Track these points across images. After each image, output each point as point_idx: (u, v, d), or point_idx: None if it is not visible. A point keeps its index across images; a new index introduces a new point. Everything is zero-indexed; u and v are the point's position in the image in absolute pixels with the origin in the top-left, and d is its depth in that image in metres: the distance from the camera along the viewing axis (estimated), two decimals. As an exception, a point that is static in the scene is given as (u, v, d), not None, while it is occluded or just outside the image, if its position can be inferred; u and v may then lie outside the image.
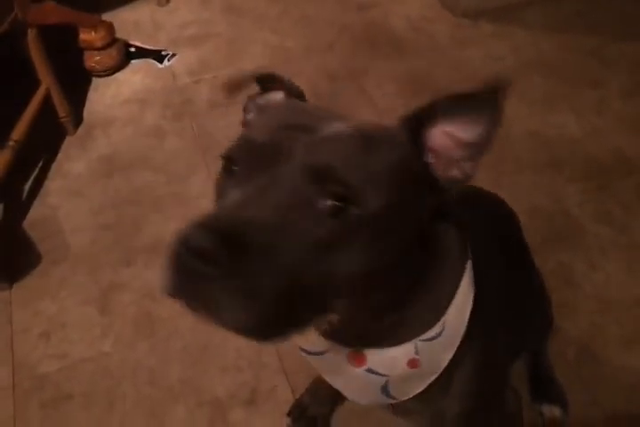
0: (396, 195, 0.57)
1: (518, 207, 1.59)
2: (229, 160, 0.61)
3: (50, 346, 1.39)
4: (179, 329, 1.40)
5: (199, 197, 1.70)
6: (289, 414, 1.24)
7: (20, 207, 1.69)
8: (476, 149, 0.60)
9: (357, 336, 0.70)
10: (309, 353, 0.77)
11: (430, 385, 0.73)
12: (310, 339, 0.74)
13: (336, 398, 1.25)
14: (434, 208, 0.63)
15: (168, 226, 1.63)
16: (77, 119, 1.93)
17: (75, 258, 1.56)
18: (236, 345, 1.37)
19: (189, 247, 0.49)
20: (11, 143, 1.58)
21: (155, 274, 1.52)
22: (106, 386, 1.32)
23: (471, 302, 0.70)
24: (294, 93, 0.74)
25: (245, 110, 0.78)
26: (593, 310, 1.40)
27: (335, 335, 0.70)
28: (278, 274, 0.51)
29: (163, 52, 2.19)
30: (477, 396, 0.79)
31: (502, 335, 0.84)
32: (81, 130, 1.92)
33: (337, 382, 0.78)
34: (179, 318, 1.42)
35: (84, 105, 2.00)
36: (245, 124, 0.76)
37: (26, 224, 1.65)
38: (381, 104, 1.92)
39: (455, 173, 0.62)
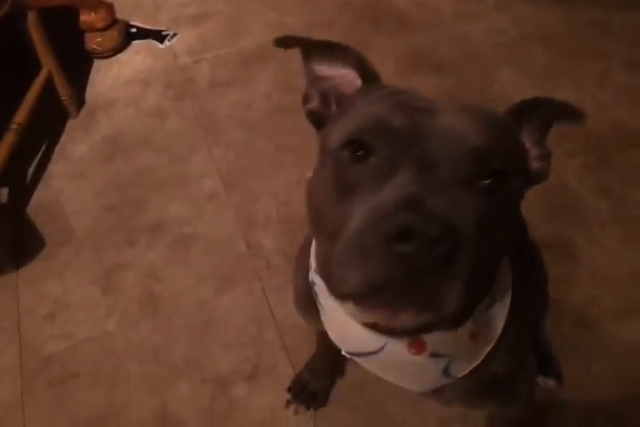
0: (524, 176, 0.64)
1: None
2: (358, 144, 0.58)
3: (55, 326, 1.43)
4: (181, 308, 1.43)
5: (201, 176, 1.72)
6: (289, 390, 1.27)
7: (24, 191, 1.71)
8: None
9: (409, 330, 0.67)
10: (363, 355, 0.73)
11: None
12: (365, 339, 0.71)
13: (334, 373, 1.27)
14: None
15: (170, 206, 1.65)
16: (80, 101, 1.94)
17: (78, 240, 1.59)
18: (237, 323, 1.39)
19: (418, 237, 0.47)
20: (14, 126, 1.59)
21: (157, 254, 1.55)
22: (111, 365, 1.36)
23: (510, 272, 0.73)
24: (370, 76, 0.71)
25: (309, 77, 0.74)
26: (589, 282, 1.41)
27: (392, 328, 0.68)
28: (476, 257, 0.51)
29: (163, 32, 2.19)
30: (517, 360, 0.82)
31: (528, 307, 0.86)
32: (83, 112, 1.93)
33: (392, 376, 0.76)
34: (181, 296, 1.45)
35: (85, 87, 2.00)
36: (307, 96, 0.74)
37: (30, 208, 1.67)
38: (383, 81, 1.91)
39: (538, 166, 0.68)
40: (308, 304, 0.82)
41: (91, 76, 2.05)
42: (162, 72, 2.05)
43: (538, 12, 2.10)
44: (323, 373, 1.25)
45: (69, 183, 1.74)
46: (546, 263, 1.37)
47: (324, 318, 0.76)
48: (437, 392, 0.77)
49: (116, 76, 2.05)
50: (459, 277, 0.49)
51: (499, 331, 0.73)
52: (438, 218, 0.48)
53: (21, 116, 1.63)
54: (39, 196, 1.70)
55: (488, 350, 0.73)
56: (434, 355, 0.70)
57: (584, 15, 2.06)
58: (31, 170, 1.77)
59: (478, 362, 0.74)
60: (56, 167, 1.78)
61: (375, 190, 0.54)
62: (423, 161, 0.55)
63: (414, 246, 0.47)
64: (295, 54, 0.72)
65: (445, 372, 0.73)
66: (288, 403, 1.26)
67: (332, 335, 0.77)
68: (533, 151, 0.68)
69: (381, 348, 0.70)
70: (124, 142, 1.84)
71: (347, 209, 0.55)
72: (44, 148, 1.83)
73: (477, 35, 2.05)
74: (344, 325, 0.72)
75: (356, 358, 0.74)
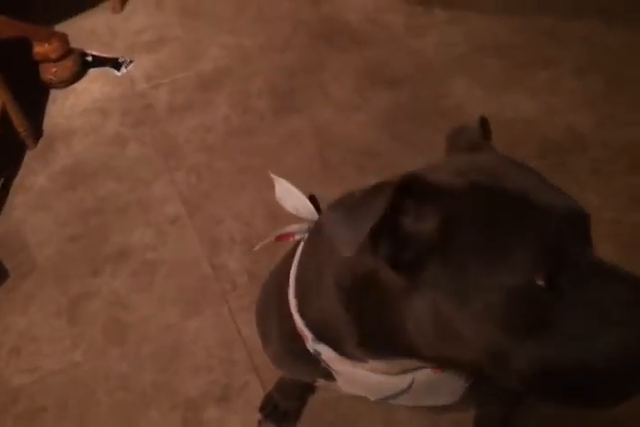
0: None
1: None
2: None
3: (21, 360, 1.41)
4: (148, 334, 1.42)
5: (163, 201, 1.71)
6: (260, 410, 1.27)
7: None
8: None
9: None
10: (396, 396, 0.74)
11: None
12: (394, 383, 0.72)
13: (303, 392, 1.27)
14: None
15: (133, 233, 1.64)
16: (37, 133, 1.93)
17: (42, 271, 1.58)
18: (205, 345, 1.39)
19: None
20: (-31, 161, 1.58)
21: (122, 282, 1.54)
22: (79, 396, 1.34)
23: None
24: None
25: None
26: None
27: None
28: None
29: (120, 59, 2.19)
30: None
31: None
32: (42, 143, 1.92)
33: (428, 401, 0.77)
34: (147, 323, 1.44)
35: (43, 118, 2.00)
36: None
37: (-9, 241, 1.66)
38: (339, 98, 1.93)
39: None
40: (291, 360, 0.83)
41: (47, 107, 2.04)
42: (120, 99, 2.05)
43: (488, 23, 2.15)
44: (293, 393, 1.24)
45: (31, 215, 1.72)
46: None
47: (338, 378, 0.76)
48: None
49: (73, 106, 2.04)
50: None
51: None
52: None
53: (-23, 150, 1.62)
54: (0, 228, 1.69)
55: None
56: None
57: (536, 24, 2.11)
58: (-10, 203, 1.76)
59: None
60: (16, 199, 1.76)
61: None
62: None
63: None
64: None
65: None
66: (260, 423, 1.26)
67: (353, 389, 0.77)
68: None
69: (411, 383, 0.71)
70: (84, 171, 1.83)
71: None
72: (2, 180, 1.81)
73: (430, 48, 2.09)
74: (366, 378, 0.71)
75: (390, 401, 0.75)
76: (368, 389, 0.74)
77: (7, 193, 1.77)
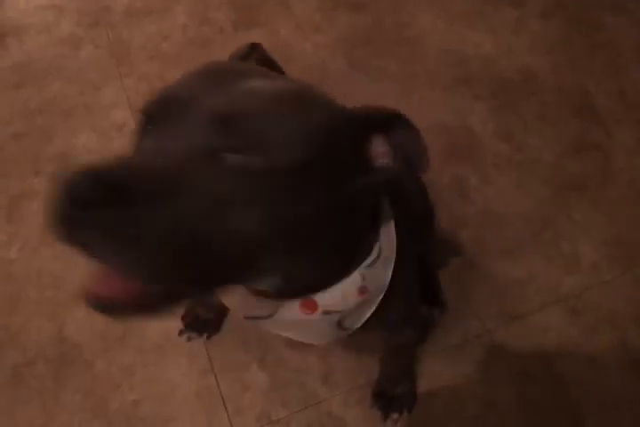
0: (314, 158, 0.54)
1: (424, 123, 1.62)
2: (147, 118, 0.56)
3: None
4: (82, 237, 1.45)
5: (111, 107, 1.70)
6: (182, 319, 1.32)
7: None
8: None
9: (305, 288, 0.71)
10: (257, 318, 0.76)
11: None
12: (254, 305, 0.74)
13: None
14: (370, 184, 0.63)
15: (78, 137, 1.64)
16: (-13, 25, 1.87)
17: (-18, 168, 1.58)
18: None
19: (71, 194, 0.45)
20: None
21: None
22: (9, 290, 1.38)
23: (393, 227, 0.74)
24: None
25: None
26: (480, 222, 1.48)
27: (281, 293, 0.71)
28: (171, 226, 0.48)
29: (80, -45, 2.09)
30: (409, 301, 0.88)
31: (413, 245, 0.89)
32: (-8, 37, 1.87)
33: (291, 334, 0.80)
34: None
35: (-5, 11, 1.93)
36: None
37: None
38: (301, 16, 1.90)
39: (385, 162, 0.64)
40: None
41: (1, 1, 1.96)
42: (77, -2, 1.98)
43: (462, -47, 2.10)
44: (214, 303, 1.29)
45: (-26, 110, 1.70)
46: (441, 203, 1.45)
47: None
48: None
49: (27, 1, 1.97)
50: (116, 237, 0.48)
51: (387, 283, 0.75)
52: (99, 180, 0.46)
53: None
54: (-59, 122, 1.67)
55: (378, 300, 0.77)
56: (326, 312, 0.73)
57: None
58: None
59: (370, 314, 0.78)
60: (-39, 93, 1.74)
61: None
62: (171, 129, 0.53)
63: (67, 203, 0.46)
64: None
65: (340, 325, 0.77)
66: (181, 331, 1.31)
67: (226, 302, 0.81)
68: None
69: (273, 313, 0.74)
70: (34, 70, 1.80)
71: None
72: (-53, 72, 1.77)
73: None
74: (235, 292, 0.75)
75: (254, 323, 0.77)
76: (237, 303, 0.79)
77: (-49, 86, 1.74)
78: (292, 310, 0.72)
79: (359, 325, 0.79)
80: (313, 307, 0.72)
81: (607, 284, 1.39)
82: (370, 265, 0.72)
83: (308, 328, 0.77)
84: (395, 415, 1.22)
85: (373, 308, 0.78)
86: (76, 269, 1.40)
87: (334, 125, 0.58)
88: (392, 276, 0.76)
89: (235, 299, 0.78)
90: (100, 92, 1.74)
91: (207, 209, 0.50)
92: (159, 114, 0.55)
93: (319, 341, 0.83)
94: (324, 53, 1.82)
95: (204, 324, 1.31)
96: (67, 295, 1.37)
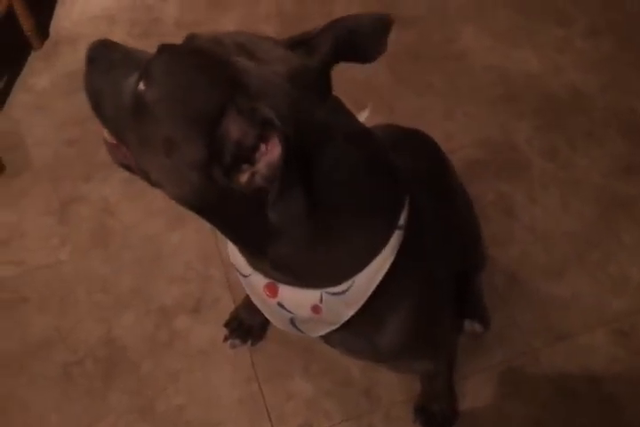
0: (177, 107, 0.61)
1: (468, 139, 1.67)
2: None
3: (9, 253, 1.47)
4: (131, 242, 1.48)
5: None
6: (226, 326, 1.34)
7: (-17, 120, 1.73)
8: None
9: (262, 269, 0.74)
10: (240, 273, 0.82)
11: (362, 323, 0.77)
12: (241, 260, 0.78)
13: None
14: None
15: (129, 144, 1.67)
16: (43, 34, 1.93)
17: (36, 171, 1.62)
18: (185, 258, 1.45)
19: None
20: (-27, 55, 1.59)
21: (112, 189, 1.59)
22: (60, 292, 1.41)
23: (386, 269, 0.71)
24: None
25: None
26: (525, 240, 1.48)
27: (252, 264, 0.76)
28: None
29: (133, -33, 2.15)
30: (411, 334, 0.82)
31: (442, 272, 0.88)
32: (47, 45, 1.92)
33: (258, 305, 0.84)
34: (132, 231, 1.50)
35: (50, 20, 1.99)
36: None
37: (-12, 137, 1.69)
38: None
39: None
40: None
41: (56, 10, 2.02)
42: (129, 10, 2.03)
43: (508, -29, 2.11)
44: (257, 309, 1.29)
45: (30, 115, 1.75)
46: (486, 219, 1.45)
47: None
48: (323, 337, 0.84)
49: (82, 11, 2.03)
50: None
51: (344, 317, 0.75)
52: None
53: (-18, 45, 1.62)
54: (-1, 125, 1.72)
55: (332, 328, 0.78)
56: (280, 305, 0.76)
57: (554, -20, 2.08)
58: (-9, 100, 1.78)
59: (322, 333, 0.80)
60: (17, 98, 1.79)
61: None
62: None
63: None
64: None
65: (293, 324, 0.80)
66: (225, 338, 1.33)
67: (231, 256, 0.84)
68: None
69: (248, 275, 0.78)
70: (87, 78, 1.84)
71: None
72: (5, 78, 1.83)
73: (446, -10, 2.06)
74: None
75: (239, 277, 0.82)
76: (234, 255, 0.82)
77: (9, 91, 1.79)
78: (259, 284, 0.76)
79: (315, 334, 0.81)
80: (273, 293, 0.75)
81: (655, 307, 1.37)
82: (334, 294, 0.72)
83: (269, 309, 0.80)
84: (436, 433, 1.22)
85: (323, 331, 0.79)
86: (125, 272, 1.43)
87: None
88: (390, 307, 0.77)
89: (232, 252, 0.81)
90: (150, 101, 1.78)
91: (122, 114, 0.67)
92: None
93: (278, 325, 0.84)
94: (368, 67, 1.84)
95: (248, 330, 1.32)
96: (115, 300, 1.40)
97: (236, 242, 0.73)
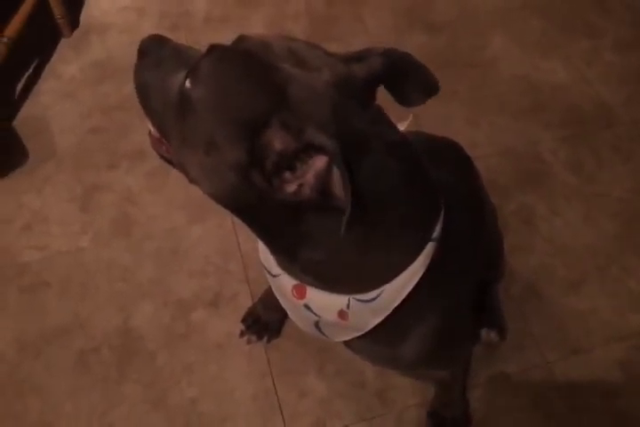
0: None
1: (492, 148, 1.67)
2: None
3: (32, 237, 1.48)
4: (153, 233, 1.49)
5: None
6: (242, 321, 1.34)
7: (12, 104, 1.74)
8: None
9: (292, 271, 0.75)
10: (268, 273, 0.83)
11: (386, 332, 0.77)
12: (271, 260, 0.79)
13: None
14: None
15: (154, 135, 1.68)
16: (74, 22, 1.94)
17: (61, 157, 1.63)
18: (204, 252, 1.46)
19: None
20: (4, 40, 1.60)
21: (136, 180, 1.59)
22: (81, 279, 1.42)
23: (416, 280, 0.71)
24: None
25: None
26: (545, 252, 1.48)
27: (282, 266, 0.77)
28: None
29: (166, -40, 2.16)
30: (434, 344, 0.82)
31: (465, 286, 0.88)
32: (77, 33, 1.93)
33: (284, 305, 0.85)
34: (154, 222, 1.51)
35: (81, 8, 2.00)
36: None
37: (16, 122, 1.70)
38: (375, 33, 1.93)
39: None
40: None
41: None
42: (158, 2, 2.04)
43: (541, -19, 2.11)
44: (275, 305, 1.28)
45: (57, 102, 1.76)
46: (506, 229, 1.44)
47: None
48: (345, 342, 0.84)
49: (112, 1, 2.04)
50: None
51: (370, 325, 0.75)
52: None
53: (12, 29, 1.63)
54: (26, 111, 1.73)
55: (356, 335, 0.78)
56: (307, 307, 0.77)
57: (586, -9, 2.08)
58: (20, 85, 1.78)
59: (346, 338, 0.80)
60: (45, 85, 1.80)
61: None
62: None
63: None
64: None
65: (317, 327, 0.81)
66: (242, 334, 1.33)
67: (260, 255, 0.85)
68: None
69: (277, 275, 0.79)
70: (114, 67, 1.85)
71: None
72: (34, 64, 1.84)
73: (478, -4, 2.06)
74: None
75: (265, 273, 0.84)
76: (265, 257, 0.83)
77: (38, 77, 1.80)
78: (287, 284, 0.77)
79: (339, 339, 0.82)
80: (302, 295, 0.76)
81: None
82: (362, 301, 0.72)
83: (295, 309, 0.81)
84: (448, 439, 1.22)
85: (348, 337, 0.80)
86: (145, 263, 1.44)
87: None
88: (417, 317, 0.78)
89: (264, 253, 0.82)
90: (176, 94, 1.78)
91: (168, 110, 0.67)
92: None
93: (302, 327, 0.85)
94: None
95: (265, 327, 1.33)
96: (134, 289, 1.40)
97: (267, 243, 0.73)
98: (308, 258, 0.69)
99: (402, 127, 0.74)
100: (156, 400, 1.26)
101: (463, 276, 0.85)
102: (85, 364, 1.30)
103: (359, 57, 0.68)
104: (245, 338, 1.33)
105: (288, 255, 0.72)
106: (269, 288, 1.26)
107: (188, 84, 0.63)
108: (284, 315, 1.31)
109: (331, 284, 0.72)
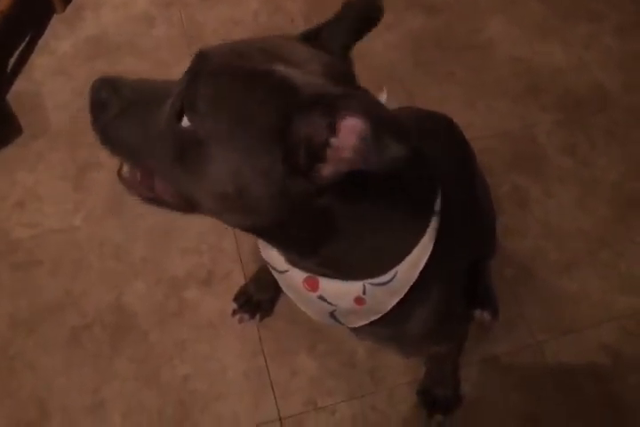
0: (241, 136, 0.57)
1: (488, 129, 1.66)
2: None
3: (24, 215, 1.48)
4: (146, 211, 1.47)
5: (181, 87, 1.73)
6: (235, 300, 1.34)
7: (5, 79, 1.72)
8: None
9: (304, 266, 0.74)
10: (274, 269, 0.82)
11: (393, 312, 0.77)
12: (276, 257, 0.78)
13: (278, 286, 1.34)
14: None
15: (148, 113, 1.67)
16: (67, -3, 1.91)
17: (54, 134, 1.62)
18: (198, 230, 1.45)
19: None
20: (-3, 14, 1.58)
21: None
22: (73, 257, 1.42)
23: (427, 256, 0.72)
24: None
25: None
26: (538, 234, 1.48)
27: (291, 262, 0.76)
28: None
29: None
30: (437, 321, 0.84)
31: (461, 263, 0.90)
32: (70, 9, 1.91)
33: (294, 298, 0.84)
34: (148, 200, 1.50)
35: (75, -17, 1.97)
36: None
37: (9, 97, 1.68)
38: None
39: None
40: None
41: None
42: (154, -23, 2.01)
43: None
44: (267, 284, 1.29)
45: (50, 78, 1.74)
46: (500, 211, 1.44)
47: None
48: (354, 329, 0.85)
49: (107, -24, 2.01)
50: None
51: (387, 306, 0.76)
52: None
53: (5, 4, 1.61)
54: (19, 86, 1.71)
55: (373, 318, 0.78)
56: (322, 298, 0.77)
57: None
58: (13, 60, 1.77)
59: (364, 323, 0.80)
60: (38, 60, 1.78)
61: None
62: None
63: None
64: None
65: (333, 316, 0.81)
66: (234, 312, 1.34)
67: (262, 253, 0.84)
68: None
69: (285, 271, 0.78)
70: (108, 44, 1.83)
71: None
72: (27, 40, 1.82)
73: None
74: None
75: (272, 271, 0.83)
76: (268, 255, 0.82)
77: (31, 53, 1.78)
78: (298, 279, 0.76)
79: (356, 325, 0.82)
80: (314, 287, 0.76)
81: (662, 306, 1.38)
82: (377, 284, 0.72)
83: (308, 302, 0.81)
84: (439, 417, 1.23)
85: (365, 321, 0.80)
86: (138, 241, 1.44)
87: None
88: (420, 299, 0.78)
89: (266, 251, 0.81)
90: (170, 71, 1.76)
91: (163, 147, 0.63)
92: None
93: (315, 317, 0.85)
94: (392, 52, 1.83)
95: (257, 306, 1.33)
96: (127, 267, 1.40)
97: (284, 248, 0.72)
98: (330, 251, 0.68)
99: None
100: (148, 377, 1.27)
101: (461, 249, 0.86)
102: (78, 341, 1.31)
103: (315, 32, 0.68)
104: (238, 317, 1.33)
105: (306, 252, 0.70)
106: (262, 267, 1.27)
107: (185, 122, 0.59)
108: (277, 294, 1.33)
109: (346, 272, 0.72)
